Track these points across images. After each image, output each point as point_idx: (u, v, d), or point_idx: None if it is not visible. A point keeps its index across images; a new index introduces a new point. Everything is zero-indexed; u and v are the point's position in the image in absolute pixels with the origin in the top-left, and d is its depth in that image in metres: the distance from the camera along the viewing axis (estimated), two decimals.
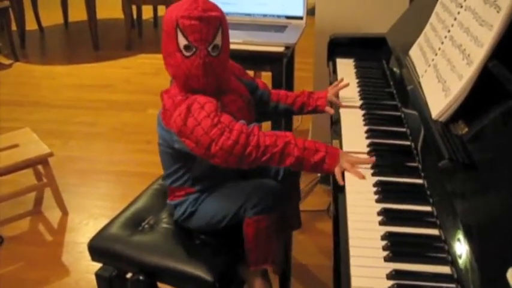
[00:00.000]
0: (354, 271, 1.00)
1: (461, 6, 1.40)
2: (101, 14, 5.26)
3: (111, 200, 2.78)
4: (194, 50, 1.40)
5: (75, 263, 2.32)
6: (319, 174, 2.73)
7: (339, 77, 1.93)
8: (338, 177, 1.31)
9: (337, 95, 1.73)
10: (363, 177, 1.29)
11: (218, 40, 1.42)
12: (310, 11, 2.55)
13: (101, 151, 3.30)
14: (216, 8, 1.42)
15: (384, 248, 1.04)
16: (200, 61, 1.40)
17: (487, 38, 1.17)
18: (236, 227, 1.51)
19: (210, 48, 1.41)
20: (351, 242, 1.08)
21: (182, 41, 1.40)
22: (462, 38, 1.32)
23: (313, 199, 2.66)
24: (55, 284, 2.21)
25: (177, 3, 1.43)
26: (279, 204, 1.49)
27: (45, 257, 2.37)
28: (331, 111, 1.68)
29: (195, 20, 1.37)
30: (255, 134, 1.36)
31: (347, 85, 1.74)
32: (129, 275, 1.58)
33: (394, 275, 0.97)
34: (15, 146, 2.50)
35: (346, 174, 1.31)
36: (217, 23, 1.40)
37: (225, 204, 1.52)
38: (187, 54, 1.41)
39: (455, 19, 1.42)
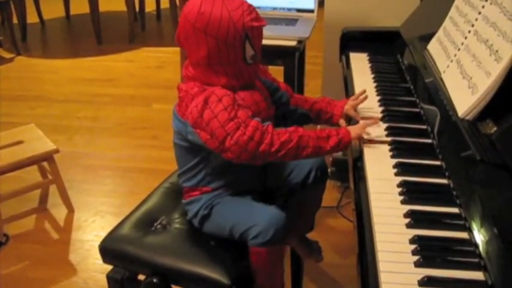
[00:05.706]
0: (384, 277, 0.95)
1: (486, 0, 1.35)
2: (103, 6, 5.21)
3: (118, 197, 2.74)
4: None
5: (82, 262, 2.28)
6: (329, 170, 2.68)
7: (354, 72, 1.89)
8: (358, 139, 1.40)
9: (355, 109, 1.63)
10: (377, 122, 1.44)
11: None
12: (318, 3, 2.49)
13: (105, 147, 3.26)
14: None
15: (414, 253, 1.00)
16: None
17: None
18: None
19: None
20: (379, 246, 1.03)
21: None
22: (488, 32, 1.27)
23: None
24: (63, 283, 2.17)
25: None
26: (281, 237, 1.42)
27: (52, 256, 2.33)
28: (343, 123, 1.62)
29: None
30: (269, 132, 1.35)
31: (366, 98, 1.64)
32: (142, 278, 1.53)
33: (426, 281, 0.93)
34: (20, 142, 2.46)
35: (368, 178, 1.26)
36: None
37: (232, 222, 1.46)
38: None
39: (479, 13, 1.37)
